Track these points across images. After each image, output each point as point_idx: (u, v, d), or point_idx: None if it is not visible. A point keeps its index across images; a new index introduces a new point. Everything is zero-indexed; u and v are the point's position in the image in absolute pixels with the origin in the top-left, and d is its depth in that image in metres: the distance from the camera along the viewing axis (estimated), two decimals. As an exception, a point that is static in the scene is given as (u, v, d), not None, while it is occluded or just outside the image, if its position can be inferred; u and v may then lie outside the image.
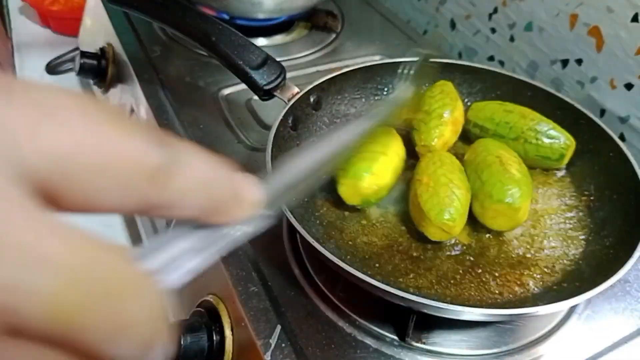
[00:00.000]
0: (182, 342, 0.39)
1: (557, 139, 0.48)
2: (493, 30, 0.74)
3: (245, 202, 0.17)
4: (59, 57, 0.85)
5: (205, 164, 0.16)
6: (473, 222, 0.45)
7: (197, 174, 0.15)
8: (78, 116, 0.12)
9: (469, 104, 0.56)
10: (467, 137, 0.53)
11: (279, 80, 0.50)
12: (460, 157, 0.49)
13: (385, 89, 0.57)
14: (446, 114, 0.51)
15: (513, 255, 0.43)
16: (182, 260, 0.16)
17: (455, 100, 0.52)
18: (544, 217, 0.47)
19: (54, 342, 0.12)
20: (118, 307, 0.12)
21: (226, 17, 0.70)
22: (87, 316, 0.11)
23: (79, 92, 0.13)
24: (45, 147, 0.12)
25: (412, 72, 0.44)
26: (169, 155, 0.14)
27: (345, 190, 0.44)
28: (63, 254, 0.12)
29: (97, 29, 0.79)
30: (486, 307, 0.38)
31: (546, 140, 0.48)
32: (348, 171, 0.44)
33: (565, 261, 0.43)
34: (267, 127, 0.59)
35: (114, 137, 0.13)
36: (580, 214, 0.47)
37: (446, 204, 0.41)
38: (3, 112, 0.11)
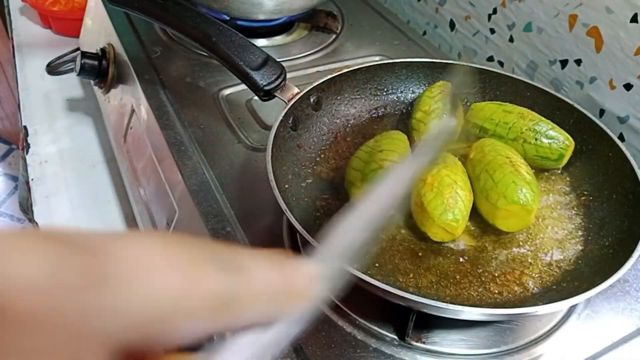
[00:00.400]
0: (182, 342, 0.39)
1: (556, 139, 0.49)
2: (492, 31, 0.74)
3: (305, 293, 0.18)
4: (59, 58, 0.85)
5: (266, 271, 0.17)
6: (473, 222, 0.45)
7: (262, 286, 0.16)
8: (164, 264, 0.14)
9: (468, 104, 0.56)
10: (466, 137, 0.53)
11: (279, 80, 0.50)
12: (461, 158, 0.49)
13: (385, 90, 0.58)
14: (445, 115, 0.51)
15: (512, 255, 0.43)
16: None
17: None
18: (543, 217, 0.47)
19: None
20: None
21: (226, 17, 0.70)
22: None
23: (155, 232, 0.15)
24: (134, 306, 0.13)
25: (448, 103, 0.42)
26: (237, 279, 0.16)
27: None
28: None
29: (97, 29, 0.79)
30: (486, 307, 0.39)
31: (545, 141, 0.48)
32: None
33: (564, 261, 0.43)
34: (267, 128, 0.59)
35: (194, 277, 0.15)
36: (579, 213, 0.47)
37: (450, 205, 0.41)
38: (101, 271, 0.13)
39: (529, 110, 0.51)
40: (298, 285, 0.18)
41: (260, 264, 0.17)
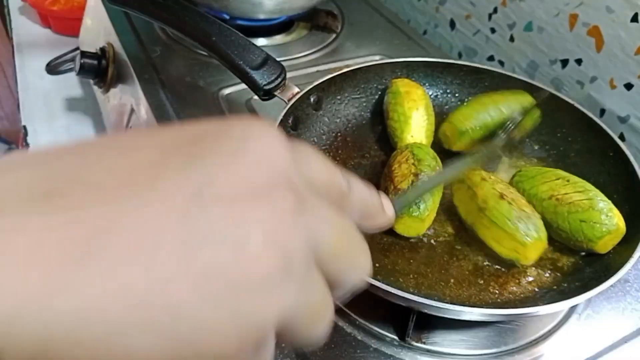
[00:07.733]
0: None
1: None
2: (493, 30, 0.74)
3: (386, 213, 0.25)
4: (59, 57, 0.85)
5: (364, 187, 0.23)
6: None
7: (360, 193, 0.23)
8: (314, 157, 0.21)
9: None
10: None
11: (279, 80, 0.50)
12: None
13: (386, 89, 0.57)
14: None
15: (513, 255, 0.43)
16: None
17: None
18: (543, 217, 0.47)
19: None
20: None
21: (226, 17, 0.70)
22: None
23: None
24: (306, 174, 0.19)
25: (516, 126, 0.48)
26: (347, 182, 0.22)
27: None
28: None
29: (97, 29, 0.79)
30: (486, 307, 0.38)
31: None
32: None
33: (565, 261, 0.43)
34: (267, 127, 0.59)
35: (332, 173, 0.21)
36: (580, 213, 0.47)
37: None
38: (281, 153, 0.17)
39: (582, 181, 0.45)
40: (382, 203, 0.24)
41: (359, 181, 0.22)
